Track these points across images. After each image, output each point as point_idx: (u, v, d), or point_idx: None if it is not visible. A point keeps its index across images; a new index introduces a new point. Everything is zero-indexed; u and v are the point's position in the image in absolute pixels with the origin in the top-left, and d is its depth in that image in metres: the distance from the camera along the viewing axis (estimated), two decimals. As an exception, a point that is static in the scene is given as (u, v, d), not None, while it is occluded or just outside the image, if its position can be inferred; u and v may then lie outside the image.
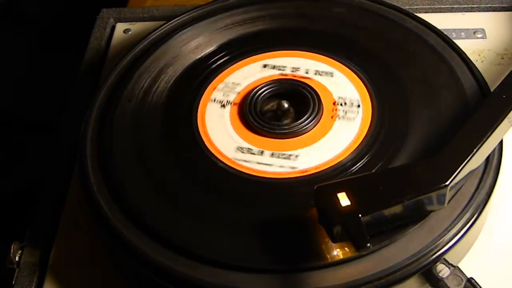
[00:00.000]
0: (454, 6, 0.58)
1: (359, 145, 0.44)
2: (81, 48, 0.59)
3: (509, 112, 0.40)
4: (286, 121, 0.46)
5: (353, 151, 0.44)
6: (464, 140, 0.38)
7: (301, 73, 0.49)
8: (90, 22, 0.61)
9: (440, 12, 0.58)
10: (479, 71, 0.47)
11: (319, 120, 0.46)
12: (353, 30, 0.52)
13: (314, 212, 0.37)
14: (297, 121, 0.45)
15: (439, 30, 0.51)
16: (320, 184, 0.37)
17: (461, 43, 0.51)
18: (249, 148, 0.45)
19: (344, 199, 0.35)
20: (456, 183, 0.37)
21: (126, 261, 0.40)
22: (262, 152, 0.44)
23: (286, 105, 0.46)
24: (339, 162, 0.43)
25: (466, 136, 0.39)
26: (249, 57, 0.51)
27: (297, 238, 0.39)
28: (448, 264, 0.38)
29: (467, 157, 0.37)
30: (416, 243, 0.38)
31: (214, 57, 0.51)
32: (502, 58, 0.53)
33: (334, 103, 0.47)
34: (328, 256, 0.38)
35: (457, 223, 0.39)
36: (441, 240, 0.38)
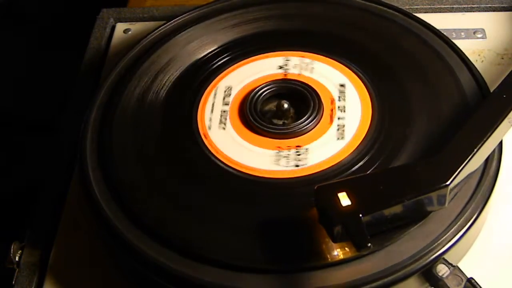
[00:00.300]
0: (454, 6, 0.58)
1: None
2: (81, 48, 0.59)
3: (509, 112, 0.40)
4: (286, 121, 0.46)
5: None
6: (465, 140, 0.38)
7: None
8: (90, 22, 0.61)
9: (440, 12, 0.58)
10: (478, 71, 0.47)
11: (319, 120, 0.46)
12: (353, 30, 0.52)
13: (314, 212, 0.37)
14: (298, 121, 0.45)
15: (438, 30, 0.51)
16: (321, 183, 0.37)
17: (461, 43, 0.51)
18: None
19: (344, 199, 0.35)
20: (457, 184, 0.37)
21: (126, 261, 0.40)
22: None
23: (286, 105, 0.46)
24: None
25: (467, 136, 0.39)
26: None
27: (298, 238, 0.39)
28: (448, 264, 0.38)
29: (467, 157, 0.37)
30: (416, 243, 0.38)
31: (215, 57, 0.51)
32: (502, 58, 0.53)
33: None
34: (328, 256, 0.38)
35: (457, 223, 0.39)
36: (441, 240, 0.38)
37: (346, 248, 0.38)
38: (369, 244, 0.33)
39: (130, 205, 0.42)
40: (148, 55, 0.51)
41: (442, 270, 0.38)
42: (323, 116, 0.46)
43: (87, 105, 0.48)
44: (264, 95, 0.48)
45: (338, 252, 0.38)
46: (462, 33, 0.56)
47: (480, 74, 0.47)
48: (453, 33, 0.55)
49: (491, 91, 0.44)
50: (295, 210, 0.40)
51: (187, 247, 0.39)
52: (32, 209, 0.47)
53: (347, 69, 0.49)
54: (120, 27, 0.61)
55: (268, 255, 0.38)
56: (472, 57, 0.49)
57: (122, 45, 0.58)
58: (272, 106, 0.48)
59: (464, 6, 0.58)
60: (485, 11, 0.58)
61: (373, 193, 0.36)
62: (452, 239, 0.38)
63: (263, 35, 0.53)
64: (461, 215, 0.39)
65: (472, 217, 0.40)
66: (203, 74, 0.50)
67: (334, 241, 0.36)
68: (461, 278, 0.37)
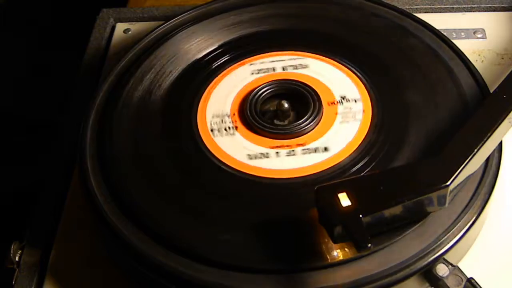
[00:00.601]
0: (454, 6, 0.58)
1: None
2: (81, 48, 0.59)
3: (509, 112, 0.40)
4: (286, 121, 0.46)
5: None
6: (465, 141, 0.38)
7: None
8: (90, 22, 0.61)
9: (440, 12, 0.58)
10: (478, 71, 0.47)
11: (319, 120, 0.46)
12: (353, 30, 0.52)
13: (314, 212, 0.37)
14: (298, 121, 0.45)
15: (438, 30, 0.51)
16: (321, 184, 0.37)
17: (461, 43, 0.51)
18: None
19: (344, 200, 0.35)
20: (457, 184, 0.37)
21: (126, 261, 0.40)
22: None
23: (286, 105, 0.46)
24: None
25: (467, 136, 0.39)
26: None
27: (298, 238, 0.39)
28: (448, 264, 0.38)
29: (467, 158, 0.37)
30: (416, 243, 0.38)
31: (215, 57, 0.51)
32: (502, 58, 0.53)
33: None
34: (328, 257, 0.38)
35: (457, 223, 0.39)
36: (441, 240, 0.38)
37: (346, 249, 0.38)
38: (369, 245, 0.33)
39: (130, 205, 0.42)
40: (147, 55, 0.51)
41: (442, 270, 0.38)
42: (323, 116, 0.46)
43: (87, 105, 0.48)
44: (264, 95, 0.48)
45: (338, 253, 0.38)
46: (462, 33, 0.56)
47: (480, 74, 0.47)
48: (453, 33, 0.55)
49: (491, 91, 0.44)
50: (295, 210, 0.40)
51: (187, 247, 0.39)
52: (32, 209, 0.47)
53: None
54: (120, 27, 0.61)
55: (268, 255, 0.38)
56: (472, 57, 0.49)
57: (122, 45, 0.58)
58: (272, 106, 0.48)
59: (464, 6, 0.58)
60: (485, 11, 0.58)
61: (373, 193, 0.36)
62: (452, 239, 0.39)
63: (264, 34, 0.53)
64: (462, 216, 0.39)
65: (472, 217, 0.40)
66: (203, 73, 0.50)
67: (334, 241, 0.36)
68: (461, 278, 0.37)
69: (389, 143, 0.44)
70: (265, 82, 0.48)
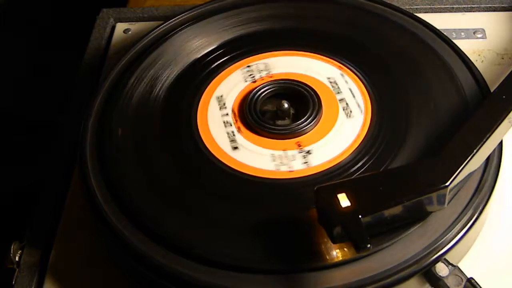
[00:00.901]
0: (454, 6, 0.58)
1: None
2: (81, 48, 0.59)
3: (509, 112, 0.40)
4: (286, 121, 0.46)
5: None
6: (464, 141, 0.38)
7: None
8: (90, 22, 0.61)
9: (440, 12, 0.58)
10: (478, 71, 0.47)
11: (319, 120, 0.46)
12: (352, 30, 0.52)
13: (314, 212, 0.37)
14: (298, 121, 0.45)
15: (438, 30, 0.51)
16: (320, 184, 0.37)
17: (461, 43, 0.51)
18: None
19: (344, 200, 0.35)
20: (456, 184, 0.37)
21: (126, 261, 0.40)
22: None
23: (286, 105, 0.46)
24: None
25: (467, 136, 0.39)
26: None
27: (297, 238, 0.39)
28: (448, 264, 0.38)
29: (467, 158, 0.37)
30: (417, 243, 0.38)
31: (215, 56, 0.51)
32: (502, 58, 0.53)
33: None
34: (328, 257, 0.38)
35: (457, 223, 0.39)
36: (441, 240, 0.38)
37: (346, 249, 0.38)
38: (369, 245, 0.33)
39: (130, 205, 0.42)
40: (147, 55, 0.51)
41: (442, 270, 0.38)
42: (323, 116, 0.46)
43: (87, 105, 0.48)
44: (264, 95, 0.48)
45: (337, 253, 0.38)
46: (462, 33, 0.56)
47: (480, 74, 0.47)
48: (453, 33, 0.55)
49: (491, 91, 0.44)
50: (295, 210, 0.40)
51: (187, 247, 0.39)
52: (32, 209, 0.47)
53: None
54: (120, 27, 0.61)
55: (268, 255, 0.38)
56: (472, 57, 0.49)
57: (122, 45, 0.58)
58: (272, 106, 0.48)
59: (464, 6, 0.58)
60: (485, 11, 0.58)
61: (372, 194, 0.36)
62: (452, 239, 0.38)
63: (264, 34, 0.53)
64: (462, 216, 0.39)
65: (472, 218, 0.40)
66: (203, 73, 0.50)
67: (334, 242, 0.36)
68: (461, 278, 0.37)
69: (389, 143, 0.44)
70: (265, 82, 0.48)
